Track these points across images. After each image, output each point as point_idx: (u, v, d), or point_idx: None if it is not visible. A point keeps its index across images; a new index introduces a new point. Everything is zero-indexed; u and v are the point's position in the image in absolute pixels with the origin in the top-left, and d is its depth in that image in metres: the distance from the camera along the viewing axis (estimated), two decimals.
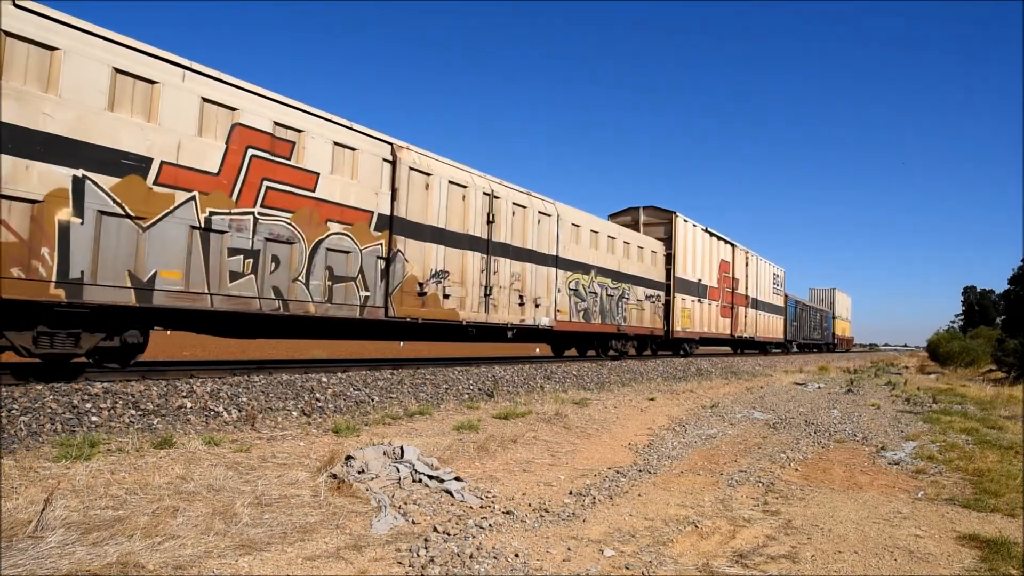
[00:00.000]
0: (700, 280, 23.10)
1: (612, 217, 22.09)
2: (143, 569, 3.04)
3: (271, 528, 3.74)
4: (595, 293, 16.67)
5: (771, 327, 33.93)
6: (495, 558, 3.45)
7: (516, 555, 3.52)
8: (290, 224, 8.72)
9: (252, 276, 8.23)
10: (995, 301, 64.68)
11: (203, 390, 7.22)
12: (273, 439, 6.22)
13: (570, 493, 5.02)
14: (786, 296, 37.57)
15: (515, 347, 23.74)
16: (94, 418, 5.99)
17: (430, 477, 4.94)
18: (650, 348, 21.56)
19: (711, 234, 24.80)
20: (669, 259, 21.15)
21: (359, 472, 4.83)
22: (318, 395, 8.17)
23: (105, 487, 4.23)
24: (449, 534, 3.83)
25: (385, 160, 10.35)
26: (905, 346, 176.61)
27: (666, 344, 22.37)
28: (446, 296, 11.51)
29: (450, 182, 11.70)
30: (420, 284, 10.92)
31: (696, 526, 4.29)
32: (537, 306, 14.23)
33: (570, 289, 15.60)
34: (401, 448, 5.31)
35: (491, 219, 12.74)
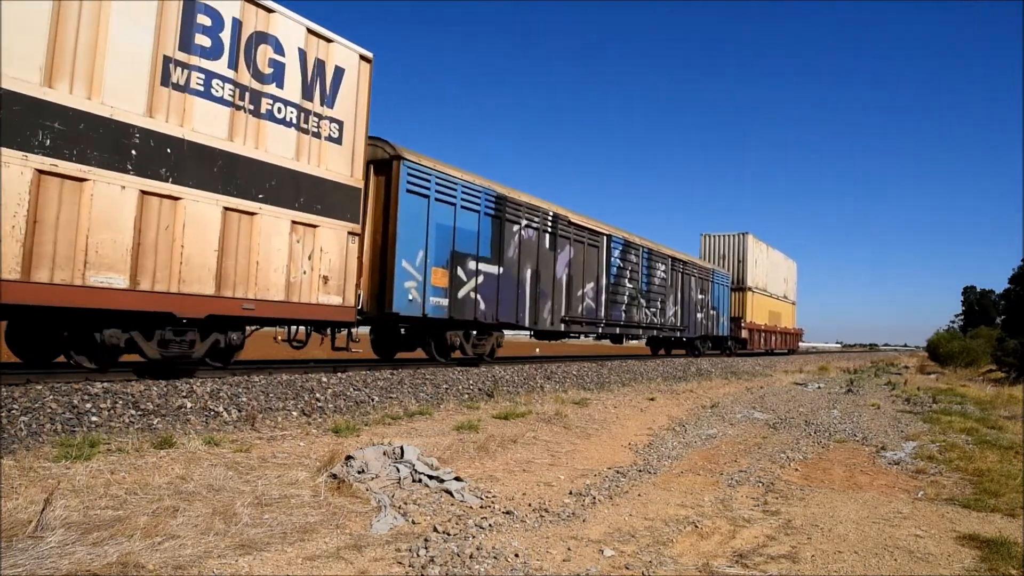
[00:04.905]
0: None
1: None
2: (143, 569, 3.04)
3: (271, 528, 3.74)
4: None
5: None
6: (495, 558, 3.45)
7: (516, 555, 3.52)
8: None
9: None
10: (995, 301, 64.65)
11: (203, 390, 7.21)
12: (273, 439, 6.22)
13: (570, 493, 5.02)
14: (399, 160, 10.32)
15: None
16: (94, 418, 5.99)
17: (430, 477, 4.94)
18: None
19: None
20: None
21: (359, 472, 4.83)
22: (318, 395, 8.17)
23: (105, 487, 4.23)
24: (449, 534, 3.83)
25: None
26: (905, 346, 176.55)
27: None
28: None
29: None
30: None
31: (696, 526, 4.29)
32: None
33: None
34: (401, 448, 5.30)
35: None
